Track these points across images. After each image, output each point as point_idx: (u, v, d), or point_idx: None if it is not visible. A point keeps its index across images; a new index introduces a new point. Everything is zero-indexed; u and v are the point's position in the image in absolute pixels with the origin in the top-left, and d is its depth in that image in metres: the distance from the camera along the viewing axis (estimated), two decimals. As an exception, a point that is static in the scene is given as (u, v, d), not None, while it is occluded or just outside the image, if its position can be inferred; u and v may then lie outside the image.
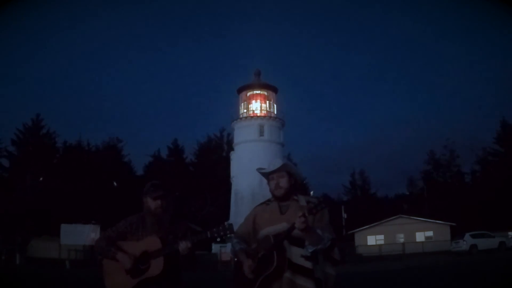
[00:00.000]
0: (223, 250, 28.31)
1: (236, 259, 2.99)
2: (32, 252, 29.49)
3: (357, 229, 39.11)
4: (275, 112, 41.41)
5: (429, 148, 53.61)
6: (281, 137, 41.14)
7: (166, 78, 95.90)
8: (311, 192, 43.04)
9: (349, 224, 40.26)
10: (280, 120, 41.13)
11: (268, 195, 3.10)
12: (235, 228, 3.05)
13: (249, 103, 40.87)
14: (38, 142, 43.95)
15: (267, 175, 3.05)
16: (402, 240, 36.55)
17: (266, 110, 40.76)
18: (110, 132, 76.15)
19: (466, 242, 28.71)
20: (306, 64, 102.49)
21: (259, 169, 3.10)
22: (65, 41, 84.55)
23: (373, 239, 38.14)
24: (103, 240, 3.24)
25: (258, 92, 41.14)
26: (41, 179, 37.73)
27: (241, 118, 40.75)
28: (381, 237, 37.86)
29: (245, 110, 40.94)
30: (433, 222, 37.23)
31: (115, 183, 41.01)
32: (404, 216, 38.59)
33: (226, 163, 42.50)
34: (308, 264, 2.75)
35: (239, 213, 32.94)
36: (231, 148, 43.48)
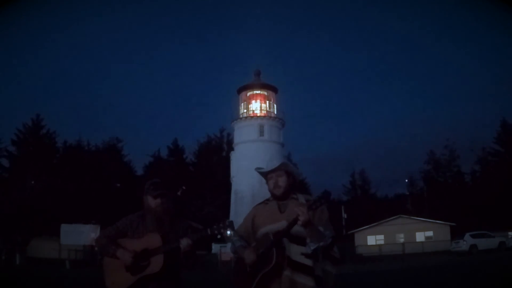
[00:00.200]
0: (223, 250, 28.30)
1: (236, 256, 3.00)
2: (32, 252, 29.49)
3: (357, 229, 39.10)
4: (275, 112, 41.42)
5: (429, 148, 53.73)
6: (281, 137, 41.14)
7: (166, 78, 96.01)
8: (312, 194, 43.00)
9: (349, 224, 40.25)
10: (280, 120, 41.13)
11: (268, 195, 3.10)
12: (235, 226, 3.06)
13: (249, 103, 40.87)
14: (38, 142, 43.94)
15: (265, 174, 3.06)
16: (402, 240, 36.54)
17: (266, 110, 40.76)
18: (110, 132, 76.08)
19: (466, 242, 28.71)
20: (306, 64, 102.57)
21: (257, 169, 3.11)
22: (65, 41, 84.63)
23: (373, 239, 38.13)
24: (103, 237, 3.25)
25: (258, 92, 41.15)
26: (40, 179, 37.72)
27: (241, 118, 40.76)
28: (381, 237, 37.85)
29: (245, 110, 40.94)
30: (433, 222, 37.22)
31: (118, 185, 41.01)
32: (404, 216, 38.59)
33: (226, 163, 42.50)
34: (308, 262, 2.75)
35: (239, 213, 32.96)
36: (231, 148, 43.49)
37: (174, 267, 3.15)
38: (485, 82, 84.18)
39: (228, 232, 3.02)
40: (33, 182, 37.04)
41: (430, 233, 36.83)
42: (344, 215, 40.31)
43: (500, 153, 46.44)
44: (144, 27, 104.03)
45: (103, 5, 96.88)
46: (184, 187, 39.82)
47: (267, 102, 41.15)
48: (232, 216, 36.42)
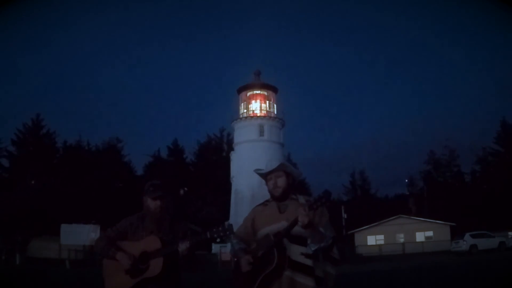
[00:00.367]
0: (223, 250, 28.29)
1: (236, 259, 2.99)
2: (32, 252, 29.47)
3: (357, 229, 39.11)
4: (275, 112, 41.40)
5: (429, 148, 53.79)
6: (281, 137, 41.12)
7: (166, 78, 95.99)
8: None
9: (349, 224, 40.24)
10: (280, 120, 41.12)
11: (268, 195, 3.10)
12: (235, 229, 3.06)
13: (249, 103, 40.85)
14: (38, 142, 43.95)
15: (264, 175, 3.05)
16: (402, 240, 36.56)
17: (266, 110, 40.74)
18: (110, 132, 76.16)
19: (466, 242, 28.71)
20: (306, 64, 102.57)
21: (256, 170, 3.11)
22: (66, 41, 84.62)
23: (373, 239, 38.14)
24: (103, 239, 3.25)
25: (258, 92, 41.13)
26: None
27: (241, 118, 40.74)
28: (381, 237, 37.87)
29: (245, 110, 40.93)
30: (433, 222, 37.23)
31: (118, 185, 41.02)
32: (404, 216, 38.62)
33: (226, 163, 42.48)
34: (308, 262, 2.75)
35: (239, 213, 32.93)
36: (231, 148, 43.47)
37: (173, 269, 3.14)
38: (485, 82, 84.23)
39: (228, 233, 3.01)
40: (33, 182, 37.03)
41: (430, 233, 36.85)
42: (344, 215, 40.29)
43: (500, 153, 46.46)
44: (145, 27, 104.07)
45: (103, 5, 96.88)
46: (186, 188, 39.91)
47: (267, 102, 41.14)
48: (232, 216, 36.41)
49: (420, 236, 36.73)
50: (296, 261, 2.77)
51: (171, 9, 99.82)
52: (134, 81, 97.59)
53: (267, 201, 3.09)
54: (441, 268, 17.95)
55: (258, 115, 40.26)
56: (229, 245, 3.11)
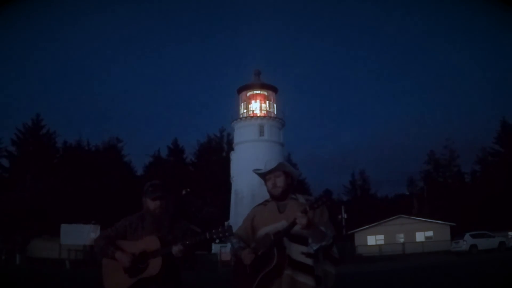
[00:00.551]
0: (223, 250, 28.30)
1: (235, 258, 3.00)
2: (32, 252, 29.47)
3: (357, 229, 39.10)
4: (275, 112, 41.41)
5: (429, 148, 53.78)
6: (281, 137, 41.13)
7: (166, 78, 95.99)
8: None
9: (349, 224, 40.24)
10: (280, 120, 41.13)
11: (268, 195, 3.10)
12: (234, 229, 3.06)
13: (249, 103, 40.86)
14: (38, 142, 43.94)
15: (264, 175, 3.05)
16: (402, 240, 36.56)
17: (266, 110, 40.76)
18: (110, 132, 76.08)
19: (466, 242, 28.73)
20: (306, 64, 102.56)
21: (255, 170, 3.11)
22: (65, 41, 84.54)
23: (373, 239, 38.14)
24: (102, 239, 3.25)
25: (258, 92, 41.14)
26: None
27: (241, 118, 40.75)
28: (381, 237, 37.86)
29: (245, 110, 40.94)
30: (433, 222, 37.23)
31: (118, 185, 41.00)
32: (404, 216, 38.60)
33: (226, 163, 42.49)
34: (308, 261, 2.76)
35: (239, 213, 32.94)
36: (231, 148, 43.48)
37: (173, 269, 3.15)
38: (485, 82, 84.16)
39: (227, 234, 3.01)
40: (33, 182, 37.02)
41: (430, 233, 36.84)
42: (344, 215, 40.28)
43: (500, 153, 46.46)
44: (145, 27, 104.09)
45: (103, 5, 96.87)
46: (188, 189, 39.93)
47: (267, 102, 41.15)
48: (232, 216, 36.42)
49: (420, 236, 36.72)
50: (296, 260, 2.77)
51: (171, 9, 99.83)
52: (134, 81, 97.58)
53: (266, 201, 3.09)
54: (441, 268, 17.95)
55: (258, 115, 40.26)
56: (229, 245, 3.11)
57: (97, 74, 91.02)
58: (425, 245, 34.66)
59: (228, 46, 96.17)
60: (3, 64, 63.57)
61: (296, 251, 2.79)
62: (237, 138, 40.92)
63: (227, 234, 2.98)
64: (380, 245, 36.43)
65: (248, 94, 41.14)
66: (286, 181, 2.99)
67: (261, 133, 39.41)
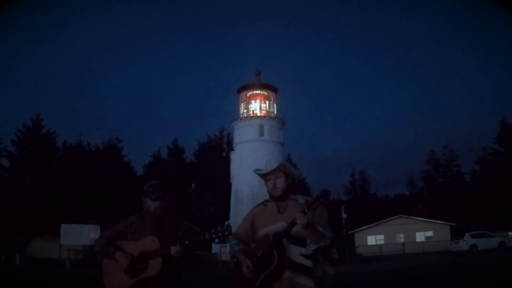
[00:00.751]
0: (223, 250, 28.32)
1: (235, 260, 2.99)
2: (32, 252, 29.48)
3: (357, 229, 39.10)
4: (275, 112, 41.41)
5: (429, 148, 53.69)
6: (281, 137, 41.13)
7: (166, 78, 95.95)
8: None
9: (349, 224, 40.23)
10: (280, 120, 41.13)
11: (268, 195, 3.10)
12: (234, 229, 3.06)
13: (249, 103, 40.86)
14: (38, 142, 43.93)
15: (264, 176, 3.05)
16: (402, 240, 36.55)
17: (266, 110, 40.76)
18: (110, 132, 76.04)
19: (466, 242, 28.72)
20: (306, 64, 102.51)
21: (256, 171, 3.11)
22: (65, 41, 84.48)
23: (373, 239, 38.13)
24: (102, 239, 3.26)
25: (258, 92, 41.14)
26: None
27: (241, 118, 40.75)
28: (381, 237, 37.85)
29: (245, 110, 40.94)
30: (433, 222, 37.22)
31: (118, 185, 41.04)
32: (404, 216, 38.59)
33: (226, 163, 42.49)
34: (308, 263, 2.75)
35: (239, 213, 32.93)
36: (231, 148, 43.47)
37: (173, 269, 3.15)
38: (486, 82, 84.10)
39: (226, 233, 3.02)
40: (33, 182, 37.03)
41: (430, 233, 36.84)
42: (344, 215, 40.29)
43: (500, 153, 46.45)
44: (144, 27, 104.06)
45: (103, 5, 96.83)
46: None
47: (267, 102, 41.15)
48: (232, 217, 36.40)
49: (420, 236, 36.72)
50: (295, 262, 2.77)
51: (171, 9, 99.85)
52: (134, 81, 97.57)
53: (266, 201, 3.09)
54: (441, 268, 17.95)
55: (258, 115, 40.26)
56: (229, 244, 3.11)
57: (97, 74, 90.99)
58: (425, 245, 34.66)
59: (228, 46, 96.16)
60: (3, 64, 63.56)
61: (296, 252, 2.78)
62: (237, 138, 40.92)
63: (226, 233, 2.99)
64: (380, 245, 36.43)
65: (248, 94, 41.15)
66: (286, 182, 2.99)
67: (261, 133, 39.41)
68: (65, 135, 58.00)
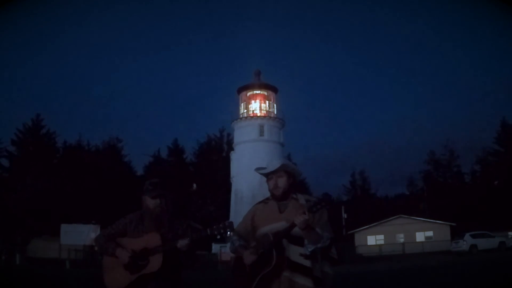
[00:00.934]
0: (223, 250, 28.30)
1: (235, 256, 3.00)
2: (32, 252, 29.47)
3: (357, 229, 39.11)
4: (275, 112, 41.42)
5: (429, 148, 53.75)
6: (281, 137, 41.14)
7: (166, 78, 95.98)
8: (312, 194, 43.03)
9: (349, 224, 40.26)
10: (280, 120, 41.13)
11: (268, 194, 3.09)
12: (235, 226, 3.06)
13: (249, 103, 40.87)
14: (38, 142, 43.94)
15: (266, 174, 3.05)
16: (402, 240, 36.56)
17: (266, 110, 40.77)
18: (110, 132, 76.07)
19: (466, 242, 28.72)
20: (306, 64, 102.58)
21: (257, 169, 3.11)
22: (65, 41, 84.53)
23: (373, 239, 38.14)
24: (102, 237, 3.26)
25: (258, 92, 41.16)
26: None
27: (241, 118, 40.76)
28: (381, 237, 37.86)
29: (245, 110, 40.95)
30: (433, 222, 37.23)
31: (118, 185, 41.07)
32: (404, 216, 38.60)
33: (226, 163, 42.50)
34: (307, 263, 2.75)
35: (239, 213, 32.94)
36: (231, 148, 43.48)
37: (174, 266, 3.15)
38: (485, 82, 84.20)
39: (228, 233, 3.02)
40: (33, 182, 37.04)
41: (430, 233, 36.85)
42: (344, 215, 40.30)
43: (500, 153, 46.44)
44: (144, 27, 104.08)
45: (103, 5, 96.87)
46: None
47: (267, 102, 41.17)
48: (232, 216, 36.39)
49: (420, 236, 36.72)
50: (295, 261, 2.77)
51: (171, 9, 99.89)
52: (134, 81, 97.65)
53: (267, 199, 3.09)
54: (441, 268, 17.95)
55: (258, 115, 40.28)
56: (229, 244, 3.11)
57: (97, 74, 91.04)
58: (425, 245, 34.66)
59: (228, 46, 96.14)
60: (3, 64, 63.60)
61: (295, 252, 2.78)
62: (237, 138, 40.93)
63: (228, 230, 2.99)
64: (380, 245, 36.44)
65: (248, 94, 41.16)
66: (288, 182, 2.99)
67: (261, 133, 39.43)
68: (65, 135, 58.17)
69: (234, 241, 3.00)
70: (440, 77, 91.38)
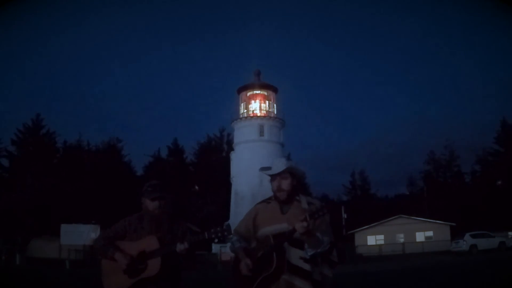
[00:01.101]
0: (223, 250, 28.34)
1: (235, 257, 2.99)
2: (32, 252, 29.45)
3: (357, 229, 39.10)
4: (275, 112, 41.42)
5: (429, 148, 53.75)
6: (281, 137, 41.14)
7: (166, 78, 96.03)
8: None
9: (349, 224, 40.22)
10: (280, 120, 41.13)
11: (269, 194, 3.07)
12: (233, 228, 3.04)
13: (249, 103, 40.87)
14: (38, 142, 43.93)
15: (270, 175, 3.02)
16: (402, 240, 36.56)
17: (266, 110, 40.78)
18: (110, 132, 76.12)
19: (466, 242, 28.72)
20: (306, 64, 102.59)
21: (262, 169, 3.07)
22: (65, 41, 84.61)
23: (373, 239, 38.14)
24: (101, 239, 3.25)
25: (258, 92, 41.16)
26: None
27: (241, 118, 40.76)
28: (381, 237, 37.86)
29: (245, 110, 40.95)
30: (433, 222, 37.22)
31: (117, 185, 41.09)
32: (404, 216, 38.60)
33: (226, 163, 42.49)
34: (306, 266, 2.74)
35: (239, 213, 32.94)
36: (231, 148, 43.49)
37: (173, 269, 3.14)
38: (485, 82, 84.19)
39: (226, 235, 3.01)
40: (33, 182, 37.02)
41: (430, 233, 36.84)
42: (344, 215, 40.27)
43: (500, 153, 46.42)
44: (144, 27, 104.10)
45: (103, 5, 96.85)
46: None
47: (267, 102, 41.17)
48: (232, 216, 36.41)
49: (420, 236, 36.72)
50: (294, 264, 2.76)
51: (171, 9, 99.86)
52: (135, 81, 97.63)
53: (269, 199, 3.05)
54: (441, 268, 17.94)
55: (258, 115, 40.28)
56: (229, 244, 3.10)
57: (97, 74, 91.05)
58: (425, 245, 34.66)
59: (228, 46, 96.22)
60: (4, 64, 63.61)
61: (295, 255, 2.77)
62: (237, 138, 40.93)
63: (225, 233, 2.98)
64: (380, 245, 36.44)
65: (248, 94, 41.16)
66: (292, 183, 2.95)
67: (261, 133, 39.43)
68: (65, 135, 57.93)
69: (234, 242, 2.98)
70: (440, 77, 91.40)
